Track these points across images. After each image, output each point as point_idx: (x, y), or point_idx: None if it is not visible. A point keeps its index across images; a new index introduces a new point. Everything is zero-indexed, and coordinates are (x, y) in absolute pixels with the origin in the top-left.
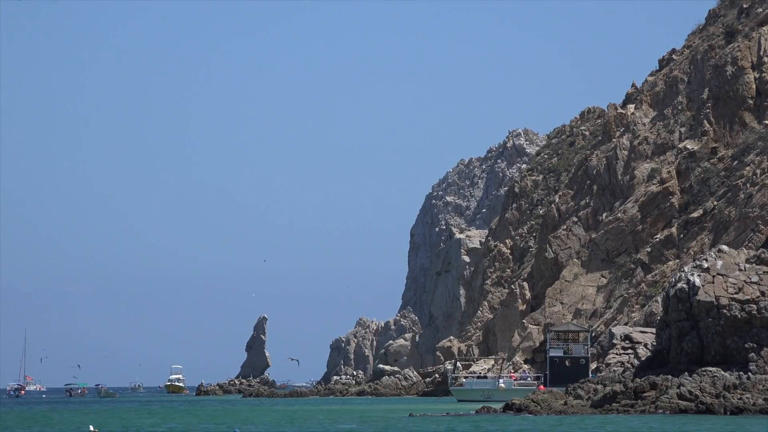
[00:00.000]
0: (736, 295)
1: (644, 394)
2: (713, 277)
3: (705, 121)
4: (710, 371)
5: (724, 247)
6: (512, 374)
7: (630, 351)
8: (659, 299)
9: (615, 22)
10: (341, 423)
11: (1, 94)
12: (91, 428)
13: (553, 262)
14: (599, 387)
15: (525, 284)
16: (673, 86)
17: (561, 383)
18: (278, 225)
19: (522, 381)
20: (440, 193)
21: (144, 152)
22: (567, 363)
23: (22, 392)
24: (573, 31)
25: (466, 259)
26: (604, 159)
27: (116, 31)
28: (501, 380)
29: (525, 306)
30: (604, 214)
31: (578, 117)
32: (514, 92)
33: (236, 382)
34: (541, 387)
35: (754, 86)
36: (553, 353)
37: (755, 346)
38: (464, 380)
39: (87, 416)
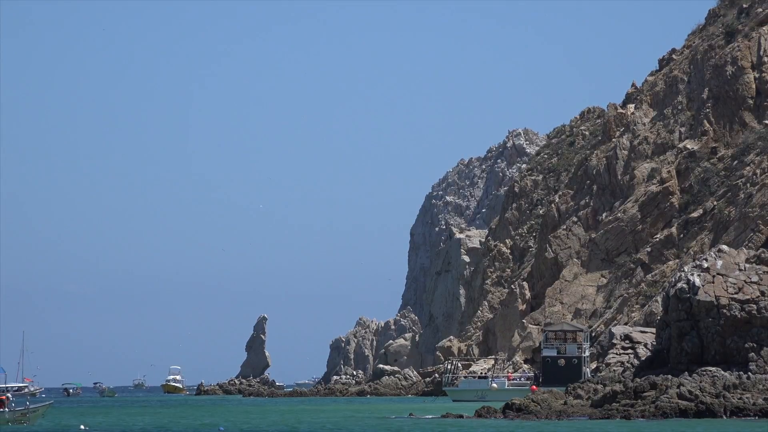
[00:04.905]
0: (736, 295)
1: (644, 394)
2: (713, 277)
3: (705, 121)
4: (710, 371)
5: (724, 247)
6: (510, 374)
7: (630, 351)
8: (659, 299)
9: (615, 22)
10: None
11: (1, 94)
12: (82, 427)
13: (553, 262)
14: (599, 387)
15: (525, 284)
16: (673, 86)
17: (554, 383)
18: (278, 225)
19: (515, 381)
20: (440, 193)
21: (144, 152)
22: (560, 363)
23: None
24: (573, 31)
25: (466, 259)
26: (604, 159)
27: (117, 32)
28: (493, 380)
29: (525, 306)
30: (604, 214)
31: (578, 117)
32: (514, 92)
33: (236, 381)
34: (534, 387)
35: (754, 86)
36: (546, 353)
37: (755, 345)
38: (463, 380)
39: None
